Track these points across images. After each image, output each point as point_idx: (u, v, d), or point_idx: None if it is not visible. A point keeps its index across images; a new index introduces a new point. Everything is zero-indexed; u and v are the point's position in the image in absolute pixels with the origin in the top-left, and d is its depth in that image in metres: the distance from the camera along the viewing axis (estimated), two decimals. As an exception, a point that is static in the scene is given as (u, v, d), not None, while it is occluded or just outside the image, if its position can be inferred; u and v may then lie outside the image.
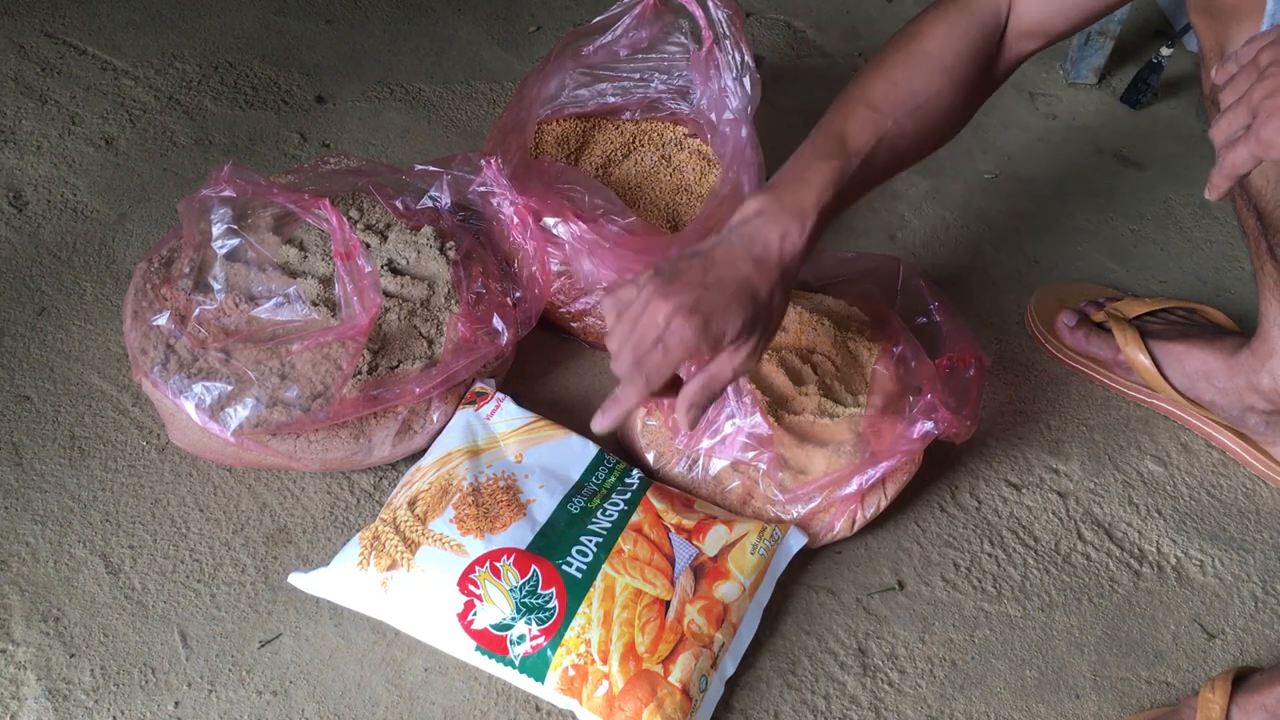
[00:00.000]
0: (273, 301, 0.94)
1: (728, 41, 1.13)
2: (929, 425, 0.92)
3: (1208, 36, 0.94)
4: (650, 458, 0.98)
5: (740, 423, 0.94)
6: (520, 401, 0.98)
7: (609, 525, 0.87)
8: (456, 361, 0.95)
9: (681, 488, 0.97)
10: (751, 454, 0.94)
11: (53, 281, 1.10)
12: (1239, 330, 1.14)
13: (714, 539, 0.89)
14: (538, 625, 0.81)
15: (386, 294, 0.99)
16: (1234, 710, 0.82)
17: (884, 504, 0.95)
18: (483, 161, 1.03)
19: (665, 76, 1.22)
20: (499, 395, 0.98)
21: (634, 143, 1.22)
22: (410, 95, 1.42)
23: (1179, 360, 1.10)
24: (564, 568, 0.84)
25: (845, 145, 0.85)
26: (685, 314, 0.77)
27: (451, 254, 1.03)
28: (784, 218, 0.82)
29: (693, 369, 0.82)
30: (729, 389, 0.91)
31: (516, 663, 0.81)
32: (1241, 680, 0.83)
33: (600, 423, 0.80)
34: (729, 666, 0.86)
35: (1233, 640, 0.97)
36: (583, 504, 0.89)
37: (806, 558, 0.96)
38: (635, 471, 0.94)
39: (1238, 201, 1.02)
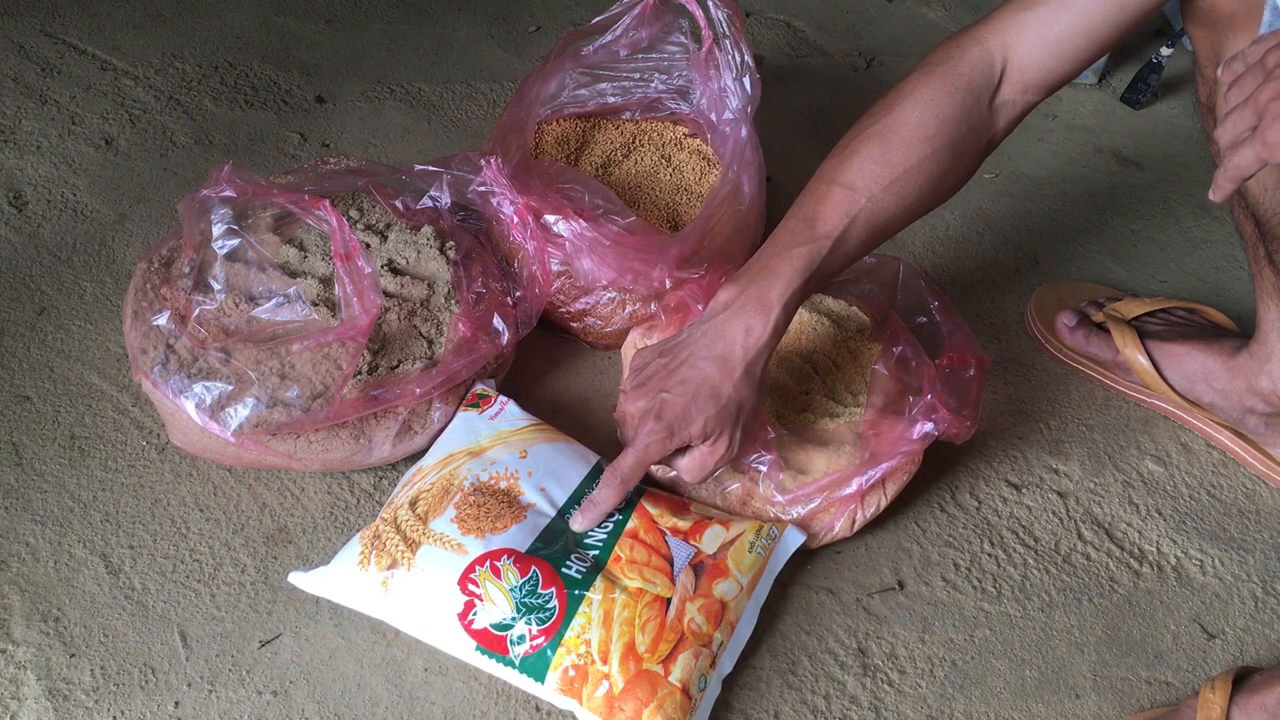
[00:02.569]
0: (273, 302, 0.94)
1: (728, 41, 1.13)
2: (929, 426, 0.92)
3: (1203, 46, 0.94)
4: (650, 458, 0.98)
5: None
6: (521, 402, 0.98)
7: (604, 537, 0.87)
8: (457, 361, 0.95)
9: (681, 489, 0.97)
10: (753, 456, 0.94)
11: (53, 281, 1.10)
12: (1239, 331, 1.14)
13: (711, 538, 0.89)
14: (538, 625, 0.81)
15: (386, 294, 0.99)
16: (1234, 710, 0.82)
17: (884, 504, 0.95)
18: (483, 161, 1.03)
19: (665, 76, 1.22)
20: (501, 398, 0.98)
21: (634, 143, 1.22)
22: (410, 95, 1.42)
23: (1178, 361, 1.10)
24: (564, 569, 0.84)
25: (815, 229, 0.85)
26: (652, 419, 0.84)
27: (451, 254, 1.03)
28: (747, 312, 0.84)
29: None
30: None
31: (516, 663, 0.81)
32: (1241, 680, 0.83)
33: (580, 522, 0.87)
34: (727, 665, 0.86)
35: (1233, 640, 0.97)
36: None
37: (806, 558, 0.96)
38: None
39: (1235, 208, 1.02)
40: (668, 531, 0.88)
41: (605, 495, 0.86)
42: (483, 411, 0.96)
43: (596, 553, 0.86)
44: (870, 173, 0.86)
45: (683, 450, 0.87)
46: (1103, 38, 0.87)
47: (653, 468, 0.95)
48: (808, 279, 0.85)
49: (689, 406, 0.83)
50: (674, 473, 0.96)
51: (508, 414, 0.97)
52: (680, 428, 0.83)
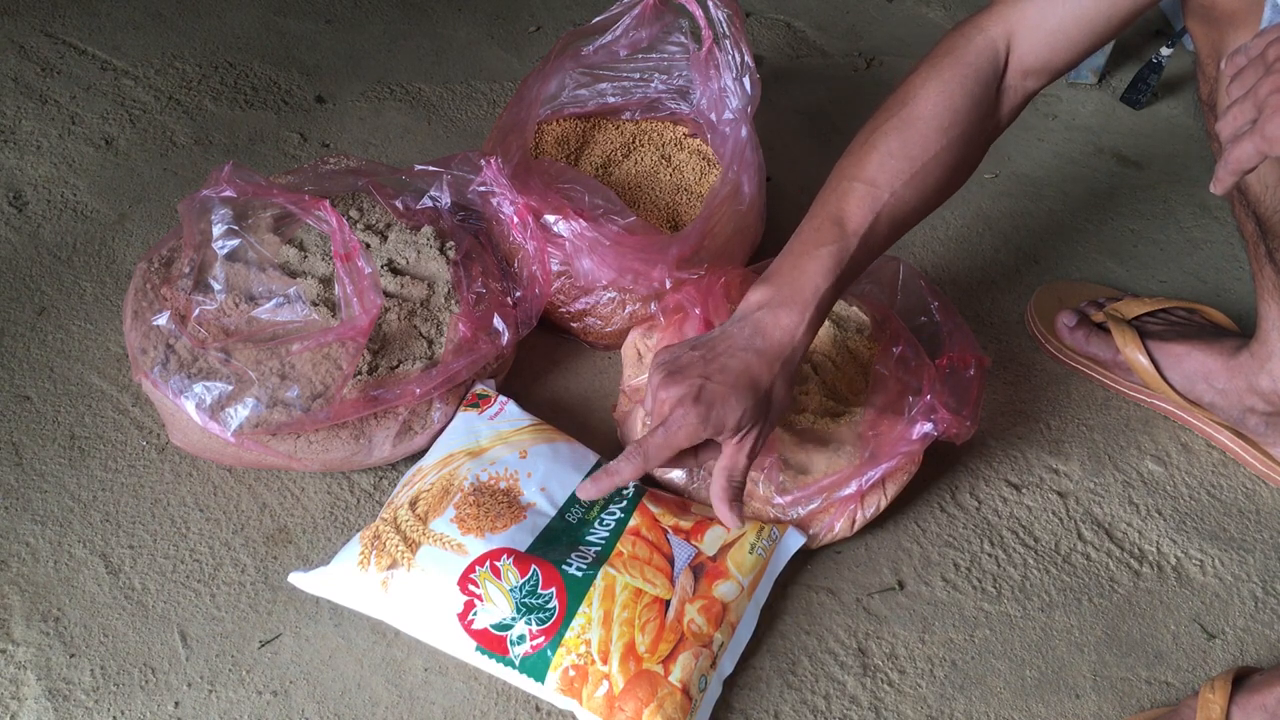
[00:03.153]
0: (273, 302, 0.94)
1: (728, 41, 1.13)
2: (929, 426, 0.92)
3: (1204, 43, 0.94)
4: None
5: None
6: (521, 402, 0.98)
7: (606, 535, 0.87)
8: (457, 362, 0.95)
9: (682, 489, 0.97)
10: (752, 455, 0.94)
11: (53, 281, 1.10)
12: (1239, 330, 1.14)
13: (712, 539, 0.89)
14: (538, 625, 0.81)
15: (386, 294, 0.99)
16: (1234, 710, 0.82)
17: (884, 504, 0.95)
18: (483, 161, 1.03)
19: (665, 76, 1.22)
20: (501, 398, 0.98)
21: (634, 143, 1.22)
22: (410, 95, 1.42)
23: (1178, 361, 1.10)
24: (564, 568, 0.84)
25: (843, 227, 0.85)
26: (689, 403, 0.81)
27: (451, 254, 1.03)
28: (783, 311, 0.84)
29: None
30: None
31: (516, 663, 0.81)
32: (1241, 680, 0.83)
33: (589, 490, 0.83)
34: (727, 666, 0.86)
35: (1233, 640, 0.97)
36: (581, 514, 0.89)
37: (806, 558, 0.96)
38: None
39: (1236, 206, 1.02)
40: (669, 530, 0.88)
41: (624, 468, 0.82)
42: (482, 411, 0.96)
43: (599, 549, 0.86)
44: (891, 168, 0.86)
45: (698, 452, 0.85)
46: (1098, 29, 0.87)
47: None
48: (839, 277, 0.85)
49: (729, 394, 0.81)
50: (673, 473, 0.96)
51: (508, 414, 0.96)
52: (718, 415, 0.81)
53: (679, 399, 0.81)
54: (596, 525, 0.88)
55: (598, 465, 0.94)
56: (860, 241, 0.86)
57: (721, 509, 0.84)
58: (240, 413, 0.89)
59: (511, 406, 0.97)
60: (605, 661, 0.80)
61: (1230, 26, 0.89)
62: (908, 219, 0.89)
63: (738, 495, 0.85)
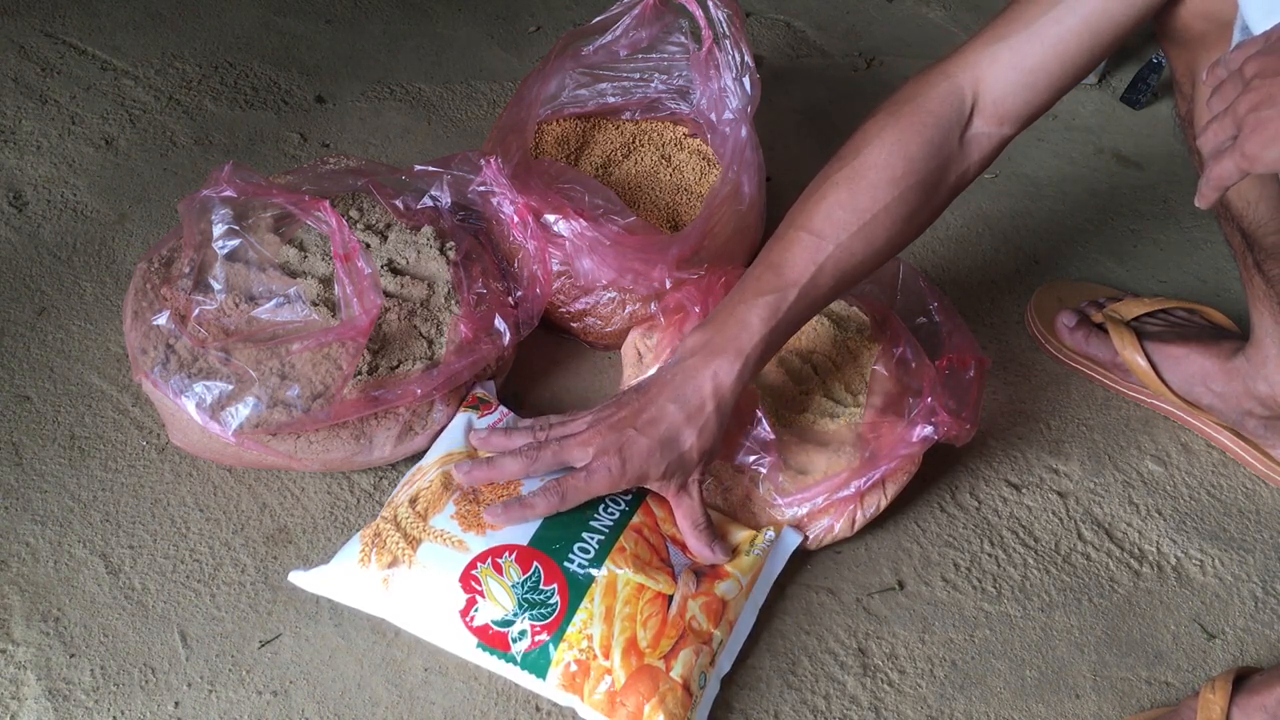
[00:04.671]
0: (273, 302, 0.94)
1: (728, 41, 1.13)
2: (929, 430, 0.92)
3: (1179, 64, 0.94)
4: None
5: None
6: (521, 403, 0.98)
7: (611, 524, 0.87)
8: (458, 362, 0.95)
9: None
10: (754, 458, 0.94)
11: (53, 281, 1.10)
12: (1239, 331, 1.14)
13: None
14: (539, 621, 0.81)
15: (386, 294, 0.99)
16: (1234, 711, 0.82)
17: (884, 504, 0.95)
18: (483, 161, 1.03)
19: (665, 76, 1.22)
20: (502, 409, 0.97)
21: (634, 143, 1.22)
22: (410, 95, 1.42)
23: (1177, 363, 1.10)
24: (566, 564, 0.84)
25: (782, 277, 0.85)
26: (612, 453, 0.84)
27: (451, 254, 1.03)
28: (715, 360, 0.85)
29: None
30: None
31: (518, 659, 0.81)
32: (1241, 681, 0.83)
33: (499, 516, 0.85)
34: (725, 665, 0.86)
35: (1233, 640, 0.97)
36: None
37: (806, 558, 0.96)
38: None
39: (1221, 219, 1.03)
40: (669, 539, 0.88)
41: (539, 502, 0.84)
42: (482, 417, 0.96)
43: (603, 537, 0.86)
44: (838, 219, 0.85)
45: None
46: (1079, 64, 0.86)
47: None
48: (773, 327, 0.85)
49: (654, 449, 0.84)
50: None
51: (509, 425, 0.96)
52: (638, 469, 0.84)
53: (603, 448, 0.84)
54: (601, 513, 0.87)
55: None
56: (799, 293, 0.85)
57: (704, 553, 0.88)
58: (240, 412, 0.89)
59: (512, 419, 0.97)
60: (607, 656, 0.80)
61: (1201, 48, 0.89)
62: (857, 269, 0.88)
63: (711, 534, 0.88)
